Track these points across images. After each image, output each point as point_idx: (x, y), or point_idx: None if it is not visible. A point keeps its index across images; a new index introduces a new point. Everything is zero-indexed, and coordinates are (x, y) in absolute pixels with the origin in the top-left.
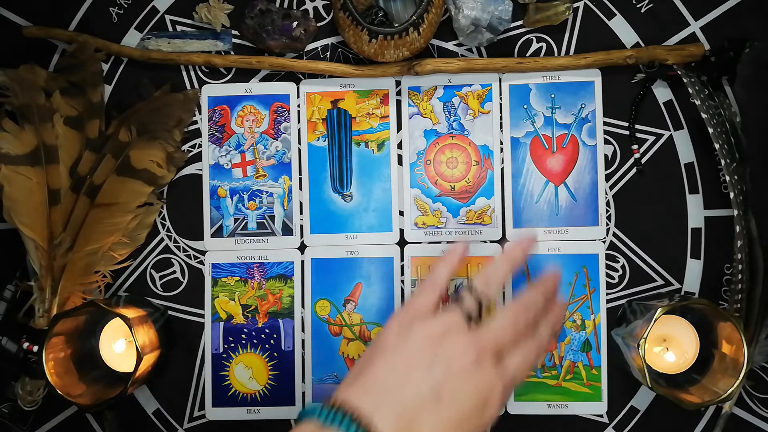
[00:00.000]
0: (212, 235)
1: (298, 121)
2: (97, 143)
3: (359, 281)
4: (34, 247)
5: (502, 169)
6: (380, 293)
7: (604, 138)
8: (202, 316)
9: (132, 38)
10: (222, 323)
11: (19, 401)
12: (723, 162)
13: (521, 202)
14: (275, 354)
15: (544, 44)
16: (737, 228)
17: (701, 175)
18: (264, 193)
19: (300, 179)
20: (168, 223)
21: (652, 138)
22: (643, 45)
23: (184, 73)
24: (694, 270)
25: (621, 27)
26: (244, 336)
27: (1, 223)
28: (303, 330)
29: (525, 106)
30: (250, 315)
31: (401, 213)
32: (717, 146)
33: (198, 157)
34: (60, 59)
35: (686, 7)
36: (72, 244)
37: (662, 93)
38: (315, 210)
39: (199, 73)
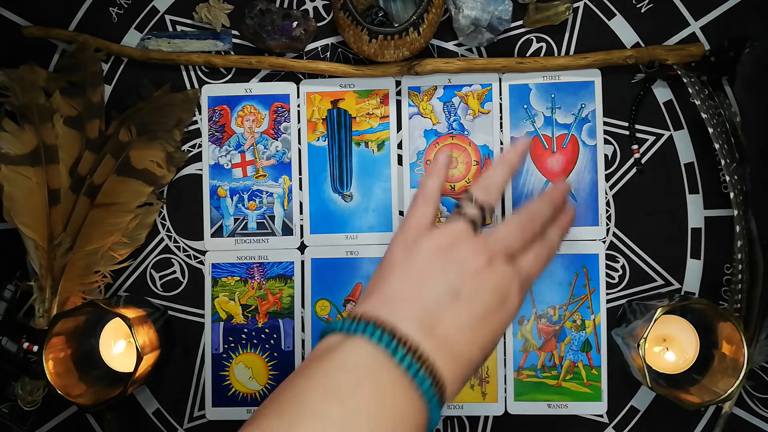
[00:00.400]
0: (212, 235)
1: (298, 121)
2: (97, 143)
3: (359, 281)
4: (34, 247)
5: None
6: None
7: (604, 138)
8: (202, 316)
9: (132, 38)
10: (222, 323)
11: (19, 401)
12: (723, 162)
13: (521, 202)
14: (275, 354)
15: (544, 44)
16: (737, 228)
17: (701, 175)
18: (264, 193)
19: (300, 179)
20: (168, 223)
21: (652, 138)
22: (643, 45)
23: (184, 73)
24: (694, 270)
25: (621, 27)
26: (244, 336)
27: (1, 223)
28: (303, 330)
29: (525, 106)
30: (250, 315)
31: (401, 213)
32: (717, 146)
33: (198, 157)
34: (60, 59)
35: (686, 7)
36: (72, 244)
37: (662, 93)
38: (315, 210)
39: (199, 73)
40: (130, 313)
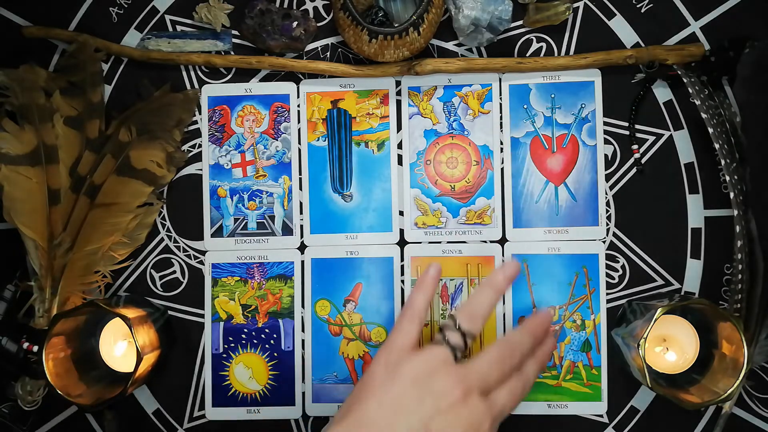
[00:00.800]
0: (212, 235)
1: (298, 121)
2: (97, 143)
3: (359, 281)
4: (34, 247)
5: (502, 169)
6: (380, 293)
7: (604, 138)
8: (202, 316)
9: (132, 38)
10: (222, 323)
11: (19, 401)
12: (723, 162)
13: (521, 202)
14: (275, 354)
15: (544, 44)
16: (737, 228)
17: (701, 175)
18: (264, 193)
19: (300, 179)
20: (168, 223)
21: (652, 138)
22: (643, 45)
23: (184, 73)
24: (694, 270)
25: (621, 27)
26: (244, 336)
27: (1, 223)
28: (303, 330)
29: (525, 106)
30: (250, 315)
31: (401, 213)
32: (717, 146)
33: (198, 157)
34: (60, 59)
35: (686, 7)
36: (72, 244)
37: (662, 93)
38: (315, 210)
39: (199, 73)
40: (130, 313)
